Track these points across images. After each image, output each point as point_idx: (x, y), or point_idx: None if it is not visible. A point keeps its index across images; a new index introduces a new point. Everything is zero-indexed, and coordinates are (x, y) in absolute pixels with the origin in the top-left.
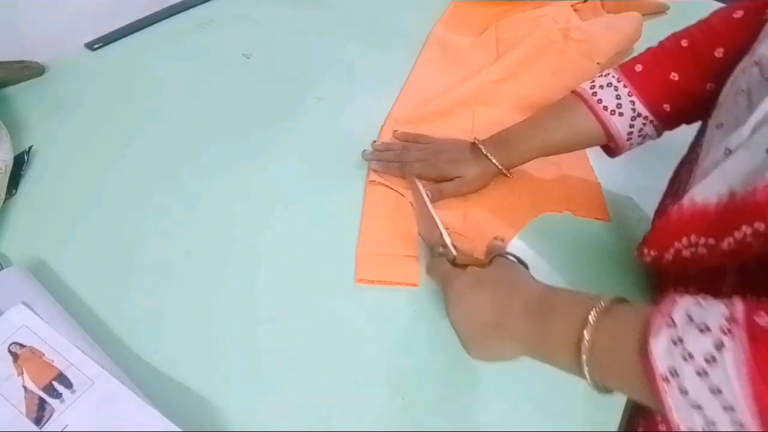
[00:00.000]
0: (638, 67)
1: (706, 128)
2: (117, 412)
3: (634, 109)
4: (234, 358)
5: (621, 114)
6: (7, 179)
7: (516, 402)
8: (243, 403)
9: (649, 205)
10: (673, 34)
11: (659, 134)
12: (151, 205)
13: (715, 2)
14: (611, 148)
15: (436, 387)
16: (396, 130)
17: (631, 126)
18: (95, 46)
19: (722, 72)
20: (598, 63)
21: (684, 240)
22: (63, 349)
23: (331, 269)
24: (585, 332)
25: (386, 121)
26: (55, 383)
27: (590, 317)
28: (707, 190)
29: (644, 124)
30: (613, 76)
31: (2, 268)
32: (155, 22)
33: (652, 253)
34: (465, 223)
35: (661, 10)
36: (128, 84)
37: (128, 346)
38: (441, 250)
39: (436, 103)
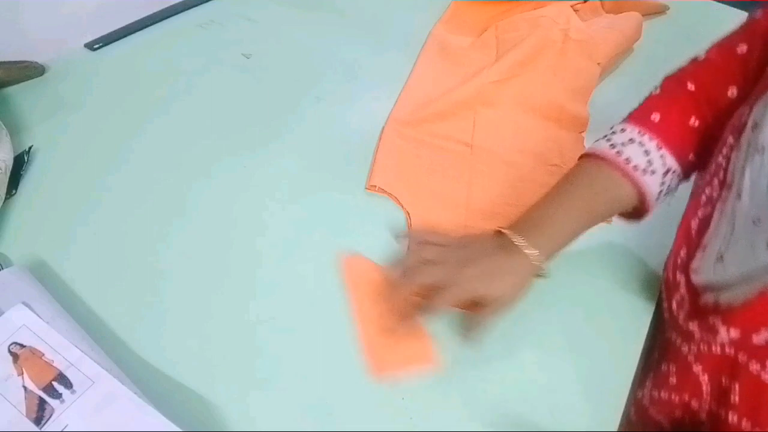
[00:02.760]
0: (655, 117)
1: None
2: (117, 412)
3: (664, 164)
4: (234, 358)
5: (653, 172)
6: (7, 179)
7: (515, 402)
8: (243, 403)
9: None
10: (671, 78)
11: (677, 189)
12: (151, 205)
13: (715, 3)
14: (635, 213)
15: (435, 386)
16: (403, 233)
17: (662, 184)
18: (95, 46)
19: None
20: (598, 63)
21: None
22: (63, 349)
23: (329, 269)
24: None
25: (387, 122)
26: (55, 383)
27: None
28: None
29: (672, 180)
30: (633, 130)
31: (2, 268)
32: (155, 22)
33: (732, 333)
34: (466, 225)
35: (661, 10)
36: (128, 84)
37: (128, 346)
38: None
39: (436, 105)
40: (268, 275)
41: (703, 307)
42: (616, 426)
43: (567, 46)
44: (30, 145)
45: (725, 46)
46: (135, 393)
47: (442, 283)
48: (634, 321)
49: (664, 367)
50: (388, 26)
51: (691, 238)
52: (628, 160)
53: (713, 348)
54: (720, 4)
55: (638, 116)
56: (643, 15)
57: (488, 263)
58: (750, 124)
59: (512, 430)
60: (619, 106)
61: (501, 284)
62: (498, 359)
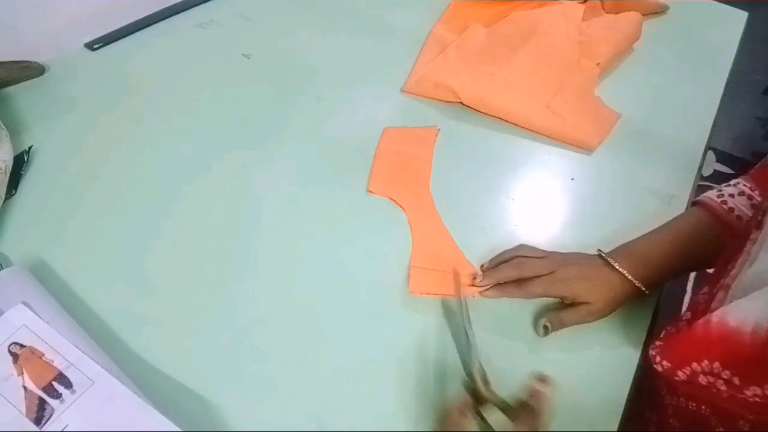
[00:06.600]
0: None
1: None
2: (117, 412)
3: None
4: (234, 358)
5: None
6: (7, 179)
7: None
8: (243, 403)
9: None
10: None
11: None
12: (151, 205)
13: (715, 3)
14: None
15: (436, 387)
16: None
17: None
18: (95, 46)
19: None
20: (598, 63)
21: (705, 363)
22: (63, 349)
23: (328, 270)
24: None
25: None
26: (55, 383)
27: None
28: (745, 313)
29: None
30: (745, 185)
31: (2, 268)
32: (155, 22)
33: (665, 364)
34: None
35: (661, 10)
36: (128, 84)
37: (128, 346)
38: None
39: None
40: (269, 275)
41: None
42: (616, 426)
43: (567, 46)
44: (30, 145)
45: None
46: (135, 393)
47: (539, 274)
48: (633, 327)
49: (647, 414)
50: (388, 26)
51: (715, 280)
52: (731, 210)
53: (690, 404)
54: (720, 4)
55: (756, 174)
56: (643, 15)
57: (587, 269)
58: None
59: (512, 430)
60: (620, 106)
61: (594, 292)
62: (497, 360)
